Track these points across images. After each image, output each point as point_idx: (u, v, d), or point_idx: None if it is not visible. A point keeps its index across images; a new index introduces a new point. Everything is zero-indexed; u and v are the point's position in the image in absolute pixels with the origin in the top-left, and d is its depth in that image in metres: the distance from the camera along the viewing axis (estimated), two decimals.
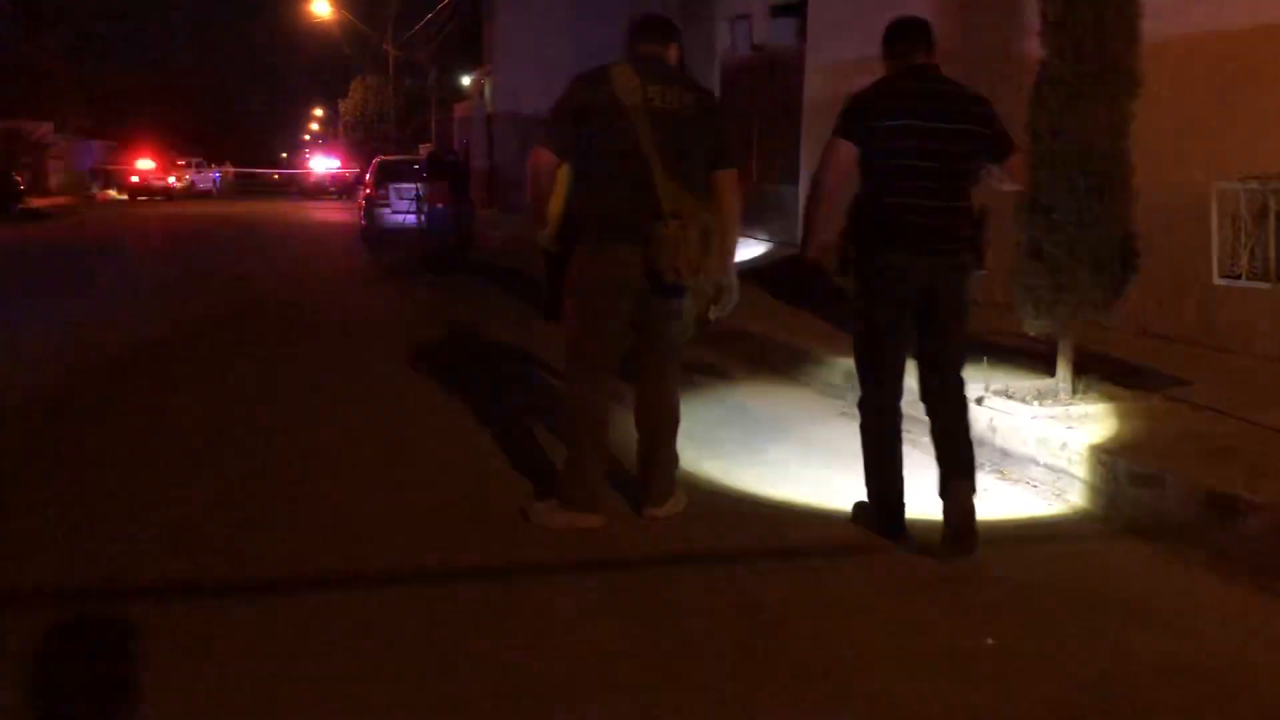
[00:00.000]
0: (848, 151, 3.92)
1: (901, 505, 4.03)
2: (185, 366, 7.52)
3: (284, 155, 79.85)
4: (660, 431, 4.24)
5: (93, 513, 4.24)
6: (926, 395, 4.05)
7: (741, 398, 6.50)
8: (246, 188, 52.68)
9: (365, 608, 3.42)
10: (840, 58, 11.78)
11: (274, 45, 63.32)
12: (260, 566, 3.74)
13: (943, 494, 3.89)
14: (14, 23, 42.41)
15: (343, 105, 52.21)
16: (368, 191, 19.71)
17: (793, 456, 5.17)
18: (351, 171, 43.15)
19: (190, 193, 46.74)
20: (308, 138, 78.98)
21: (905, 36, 4.06)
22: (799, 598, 3.51)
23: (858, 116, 3.94)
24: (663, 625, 3.29)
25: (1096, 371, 5.60)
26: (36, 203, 30.83)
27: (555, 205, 4.18)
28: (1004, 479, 4.80)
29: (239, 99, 74.97)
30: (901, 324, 3.98)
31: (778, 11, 13.95)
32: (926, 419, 4.08)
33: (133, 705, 2.79)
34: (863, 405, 4.12)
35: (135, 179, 43.75)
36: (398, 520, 4.23)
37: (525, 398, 6.49)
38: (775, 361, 7.37)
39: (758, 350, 7.67)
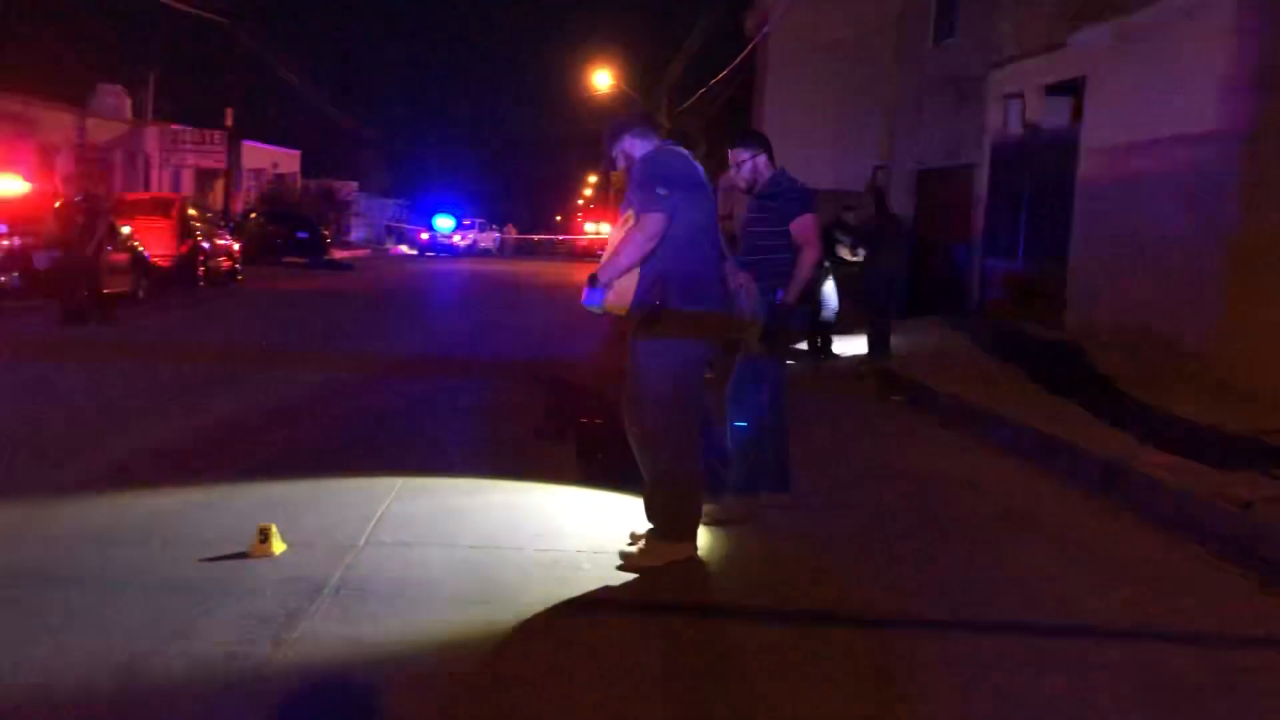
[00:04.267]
0: None
1: None
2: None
3: (558, 219, 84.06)
4: None
5: None
6: None
7: None
8: (524, 248, 55.82)
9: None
10: (1118, 140, 11.47)
11: (555, 115, 67.14)
12: None
13: None
14: (333, 94, 47.02)
15: (613, 174, 54.55)
16: None
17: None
18: None
19: (473, 251, 50.02)
20: (580, 202, 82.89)
21: None
22: None
23: None
24: None
25: None
26: (338, 254, 33.99)
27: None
28: None
29: (522, 165, 79.87)
30: None
31: (1052, 90, 13.69)
32: None
33: None
34: None
35: (425, 236, 47.35)
36: None
37: None
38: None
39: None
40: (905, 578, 4.62)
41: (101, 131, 29.57)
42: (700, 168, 4.79)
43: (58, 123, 27.24)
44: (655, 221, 4.46)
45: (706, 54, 33.50)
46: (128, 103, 31.69)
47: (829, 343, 12.72)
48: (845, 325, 12.92)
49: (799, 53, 25.63)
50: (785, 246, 5.52)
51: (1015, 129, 14.52)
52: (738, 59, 28.48)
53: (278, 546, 4.49)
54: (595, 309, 4.59)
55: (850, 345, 12.86)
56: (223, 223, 24.21)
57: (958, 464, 7.02)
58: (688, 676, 3.56)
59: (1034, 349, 11.25)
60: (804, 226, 5.51)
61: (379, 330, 14.90)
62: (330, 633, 3.69)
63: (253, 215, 31.69)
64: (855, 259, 12.55)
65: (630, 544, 4.71)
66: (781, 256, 5.50)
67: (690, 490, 4.65)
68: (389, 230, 49.81)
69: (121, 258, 14.90)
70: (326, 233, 33.29)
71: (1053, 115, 13.68)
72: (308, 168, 44.53)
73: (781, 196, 5.57)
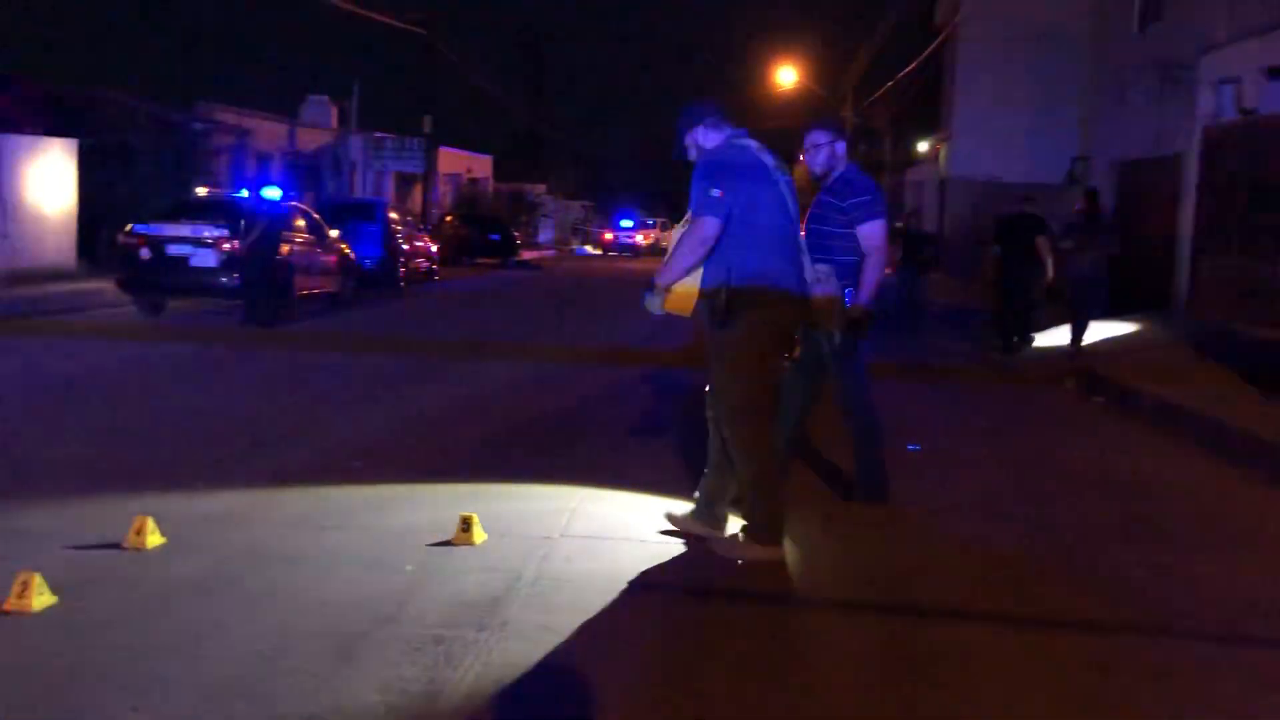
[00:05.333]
0: None
1: None
2: None
3: None
4: None
5: None
6: None
7: None
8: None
9: None
10: None
11: (739, 112, 67.02)
12: None
13: None
14: (525, 98, 48.44)
15: (796, 170, 54.09)
16: None
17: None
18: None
19: (655, 249, 50.49)
20: None
21: None
22: None
23: None
24: None
25: None
26: (527, 255, 34.99)
27: None
28: None
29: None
30: None
31: (1274, 73, 12.81)
32: None
33: None
34: None
35: (609, 236, 48.13)
36: None
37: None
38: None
39: None
40: (1112, 585, 4.46)
41: (309, 140, 31.34)
42: (772, 159, 4.65)
43: (271, 133, 29.02)
44: (707, 225, 4.43)
45: (894, 47, 32.85)
46: (334, 112, 33.47)
47: (1025, 331, 12.32)
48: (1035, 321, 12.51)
49: (992, 42, 24.84)
50: (852, 249, 5.25)
51: (1230, 115, 13.65)
52: (927, 50, 27.78)
53: (479, 536, 4.70)
54: (654, 311, 4.60)
55: (1042, 339, 12.45)
56: (421, 226, 25.27)
57: (1165, 468, 6.70)
58: (892, 673, 3.56)
59: (1249, 349, 10.57)
60: (873, 234, 5.24)
61: (567, 325, 15.28)
62: (530, 621, 3.84)
63: (448, 218, 32.93)
64: (1065, 249, 12.09)
65: (669, 525, 4.87)
66: (847, 260, 5.22)
67: (769, 487, 4.58)
68: (575, 230, 50.92)
69: (330, 259, 15.78)
70: (517, 234, 34.31)
71: (1273, 100, 12.80)
72: (499, 172, 46.02)
73: (851, 197, 5.27)
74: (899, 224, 15.56)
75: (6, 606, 3.74)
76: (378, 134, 32.82)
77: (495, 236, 32.48)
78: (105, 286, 14.58)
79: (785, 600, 4.25)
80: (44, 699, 3.16)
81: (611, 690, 3.37)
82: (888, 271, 5.68)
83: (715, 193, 4.44)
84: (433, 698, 3.24)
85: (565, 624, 3.82)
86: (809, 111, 47.68)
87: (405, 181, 35.02)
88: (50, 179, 16.82)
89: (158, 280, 13.57)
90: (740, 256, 4.47)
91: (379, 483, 5.73)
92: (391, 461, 6.23)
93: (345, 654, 3.52)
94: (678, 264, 4.51)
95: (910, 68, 29.07)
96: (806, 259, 4.76)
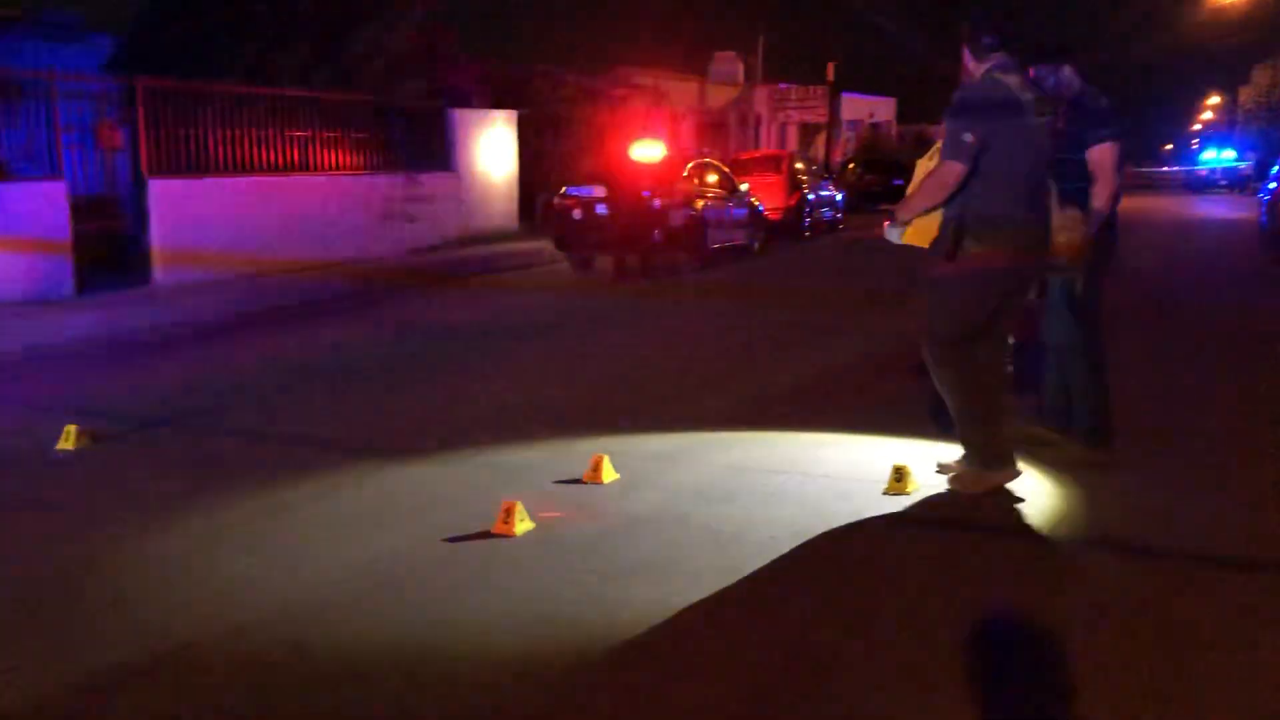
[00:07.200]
0: None
1: None
2: None
3: (1168, 147, 76.41)
4: None
5: None
6: None
7: None
8: (1134, 182, 51.63)
9: None
10: None
11: (1162, 32, 60.79)
12: None
13: None
14: (929, 37, 46.77)
15: (1243, 92, 48.34)
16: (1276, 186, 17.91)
17: None
18: (1248, 163, 39.91)
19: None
20: (1197, 128, 74.53)
21: None
22: None
23: None
24: None
25: None
26: None
27: None
28: None
29: (1122, 90, 73.58)
30: None
31: None
32: None
33: None
34: None
35: None
36: None
37: None
38: None
39: None
40: None
41: (717, 96, 32.31)
42: (1031, 97, 4.45)
43: (682, 91, 30.24)
44: (951, 173, 4.43)
45: None
46: (740, 67, 34.27)
47: None
48: None
49: None
50: (1079, 174, 4.80)
51: None
52: None
53: (912, 485, 4.75)
54: (895, 240, 4.81)
55: None
56: (825, 175, 25.36)
57: None
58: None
59: None
60: (1102, 155, 4.81)
61: None
62: None
63: (850, 165, 32.76)
64: None
65: (939, 472, 4.88)
66: (1074, 186, 4.77)
67: (984, 418, 4.59)
68: None
69: (741, 212, 16.28)
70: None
71: None
72: (903, 114, 44.98)
73: (1080, 116, 4.83)
74: None
75: (494, 529, 4.31)
76: (781, 85, 33.22)
77: (899, 182, 31.85)
78: (542, 245, 15.98)
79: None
80: (523, 612, 3.62)
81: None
82: None
83: (967, 137, 4.40)
84: None
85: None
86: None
87: (808, 130, 35.21)
88: (495, 148, 18.62)
89: (588, 238, 14.67)
90: (976, 196, 4.44)
91: (813, 429, 5.93)
92: (820, 410, 6.40)
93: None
94: (917, 203, 4.64)
95: None
96: (1055, 203, 4.62)
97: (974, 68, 4.63)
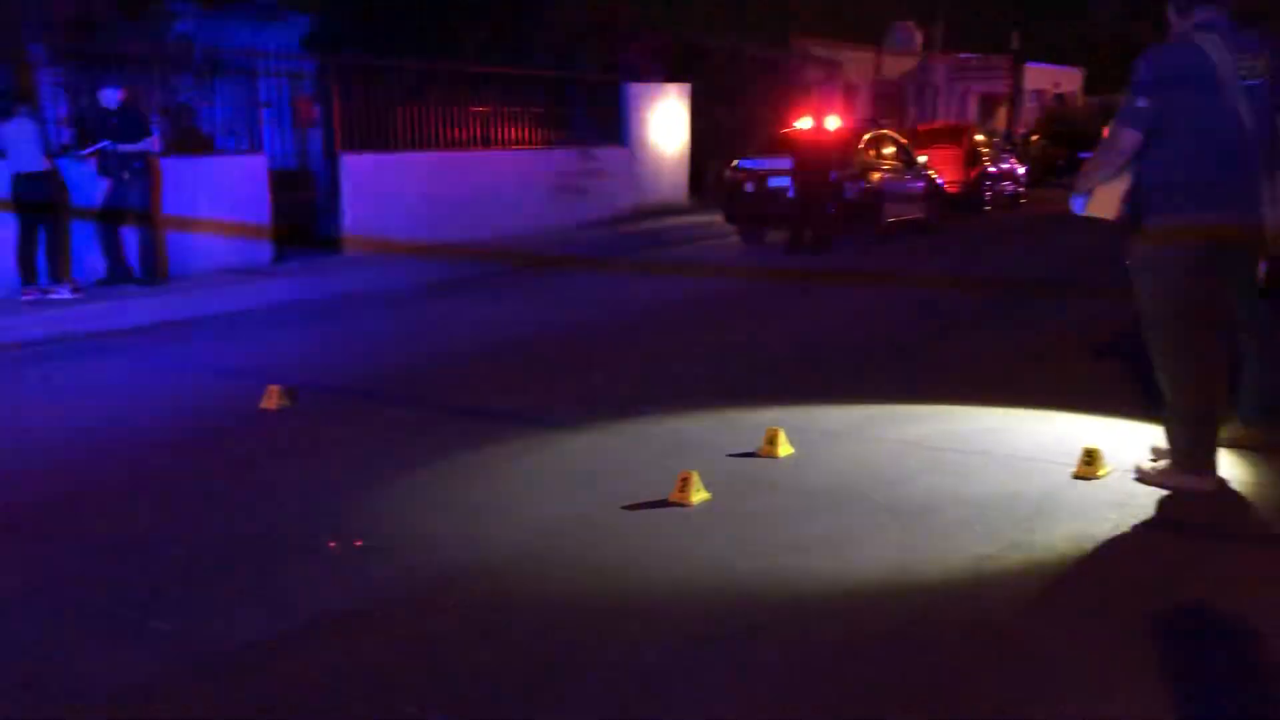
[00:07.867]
0: None
1: None
2: None
3: None
4: None
5: None
6: None
7: None
8: None
9: None
10: None
11: None
12: None
13: None
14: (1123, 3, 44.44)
15: None
16: None
17: None
18: None
19: None
20: None
21: None
22: None
23: None
24: None
25: None
26: None
27: None
28: None
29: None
30: None
31: None
32: None
33: None
34: None
35: None
36: None
37: None
38: None
39: None
40: None
41: (894, 67, 31.48)
42: (1231, 59, 4.08)
43: (858, 61, 29.58)
44: (1124, 138, 4.23)
45: None
46: (918, 36, 33.28)
47: None
48: None
49: None
50: (1271, 141, 4.23)
51: None
52: None
53: (1102, 469, 4.56)
54: (1078, 211, 4.55)
55: None
56: (1007, 147, 24.44)
57: None
58: None
59: None
60: None
61: None
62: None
63: (1033, 138, 31.44)
64: None
65: (1153, 459, 4.59)
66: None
67: (1194, 419, 4.28)
68: None
69: (918, 185, 15.85)
70: None
71: None
72: (1091, 84, 42.85)
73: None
74: None
75: (671, 497, 4.36)
76: (961, 55, 32.14)
77: (1085, 155, 30.39)
78: (712, 219, 15.96)
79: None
80: (699, 580, 3.65)
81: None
82: None
83: (1140, 103, 4.17)
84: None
85: None
86: None
87: (989, 102, 33.97)
88: (667, 121, 18.66)
89: (760, 211, 14.56)
90: (1159, 167, 4.20)
91: (994, 407, 5.77)
92: (1001, 388, 6.21)
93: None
94: (1093, 171, 4.46)
95: None
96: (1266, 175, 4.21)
97: (1176, 23, 4.33)
